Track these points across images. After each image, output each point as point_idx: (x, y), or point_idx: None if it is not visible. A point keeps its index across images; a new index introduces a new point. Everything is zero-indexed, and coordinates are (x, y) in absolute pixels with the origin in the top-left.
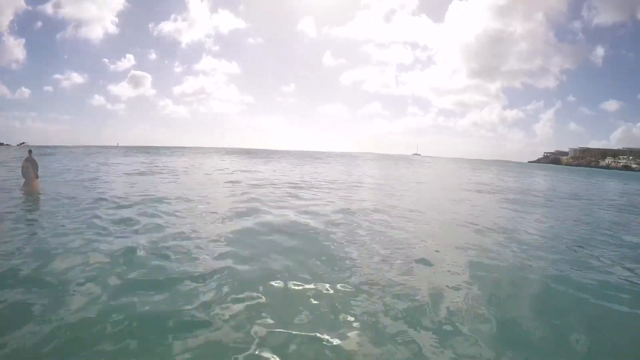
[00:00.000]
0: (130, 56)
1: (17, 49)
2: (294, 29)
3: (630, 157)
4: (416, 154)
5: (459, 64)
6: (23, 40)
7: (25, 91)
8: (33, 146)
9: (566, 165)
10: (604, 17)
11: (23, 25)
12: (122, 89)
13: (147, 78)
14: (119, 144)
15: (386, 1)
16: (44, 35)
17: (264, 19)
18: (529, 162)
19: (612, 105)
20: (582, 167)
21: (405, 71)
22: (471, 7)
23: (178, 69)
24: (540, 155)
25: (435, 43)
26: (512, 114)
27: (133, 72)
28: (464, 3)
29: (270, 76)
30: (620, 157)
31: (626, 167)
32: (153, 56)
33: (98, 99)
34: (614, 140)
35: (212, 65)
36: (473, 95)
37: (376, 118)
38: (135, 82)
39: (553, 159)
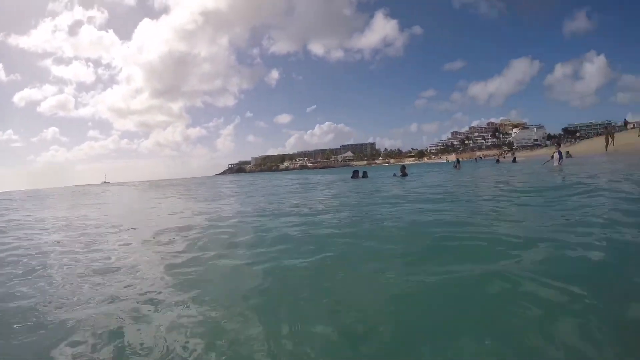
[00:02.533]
0: None
1: None
2: None
3: (305, 158)
4: (105, 182)
5: (143, 83)
6: None
7: None
8: None
9: (250, 172)
10: (280, 46)
11: None
12: None
13: None
14: None
15: (75, 11)
16: None
17: None
18: (215, 174)
19: (284, 118)
20: (265, 172)
21: (86, 91)
22: (160, 27)
23: None
24: (226, 167)
25: (120, 61)
26: (195, 131)
27: None
28: (153, 23)
29: None
30: (297, 159)
31: (303, 167)
32: None
33: None
34: (289, 146)
35: None
36: (156, 115)
37: (54, 145)
38: None
39: (238, 169)
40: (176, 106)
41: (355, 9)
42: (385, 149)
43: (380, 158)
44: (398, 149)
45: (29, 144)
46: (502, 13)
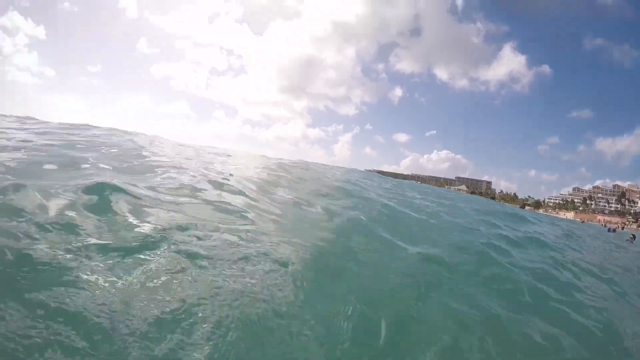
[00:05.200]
0: None
1: None
2: (115, 4)
3: (418, 182)
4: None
5: (271, 78)
6: None
7: None
8: None
9: None
10: (406, 65)
11: None
12: None
13: None
14: None
15: (213, 2)
16: None
17: None
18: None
19: (402, 137)
20: None
21: (217, 75)
22: (291, 29)
23: None
24: None
25: (251, 54)
26: (314, 132)
27: None
28: (286, 23)
29: (78, 51)
30: (410, 180)
31: None
32: None
33: None
34: (403, 166)
35: (17, 23)
36: (279, 109)
37: (181, 118)
38: None
39: None
40: (299, 105)
41: (483, 38)
42: (501, 191)
43: (495, 199)
44: (514, 193)
45: (155, 112)
46: (637, 63)
